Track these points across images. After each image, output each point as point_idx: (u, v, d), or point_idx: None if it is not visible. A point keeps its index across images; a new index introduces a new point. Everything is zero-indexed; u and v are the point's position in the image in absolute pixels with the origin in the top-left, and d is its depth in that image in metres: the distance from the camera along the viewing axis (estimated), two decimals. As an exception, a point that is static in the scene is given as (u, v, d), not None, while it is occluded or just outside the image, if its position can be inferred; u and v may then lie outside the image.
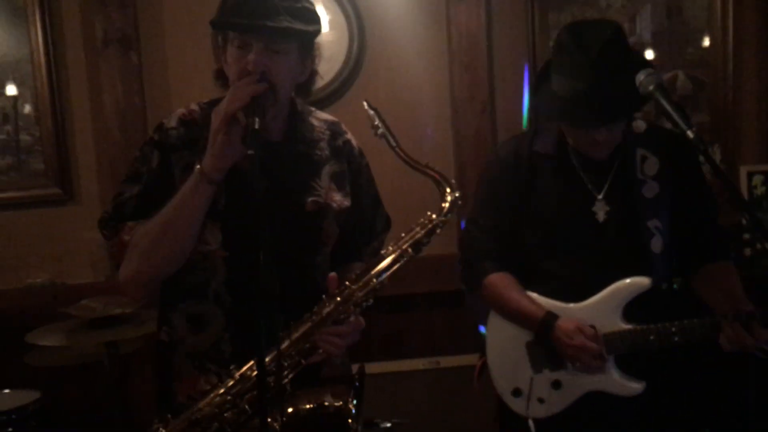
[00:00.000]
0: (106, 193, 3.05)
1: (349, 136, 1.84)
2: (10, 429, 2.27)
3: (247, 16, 1.56)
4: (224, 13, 1.61)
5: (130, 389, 2.82)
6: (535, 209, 2.04)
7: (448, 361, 2.94)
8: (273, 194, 1.61)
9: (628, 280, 1.97)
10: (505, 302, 2.06)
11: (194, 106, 1.74)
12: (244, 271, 1.60)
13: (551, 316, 1.98)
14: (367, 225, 1.86)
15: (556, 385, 2.03)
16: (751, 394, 2.65)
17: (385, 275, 1.64)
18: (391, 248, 1.66)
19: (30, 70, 2.99)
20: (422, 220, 1.68)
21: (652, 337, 1.92)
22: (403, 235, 1.67)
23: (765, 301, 2.56)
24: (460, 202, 1.67)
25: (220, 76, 1.69)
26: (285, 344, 1.58)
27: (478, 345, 2.23)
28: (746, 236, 2.83)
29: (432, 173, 1.67)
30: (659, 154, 1.99)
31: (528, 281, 2.07)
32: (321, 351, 1.61)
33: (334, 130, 1.81)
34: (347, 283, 1.63)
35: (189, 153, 1.65)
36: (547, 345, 2.00)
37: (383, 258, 1.65)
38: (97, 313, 2.33)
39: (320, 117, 1.83)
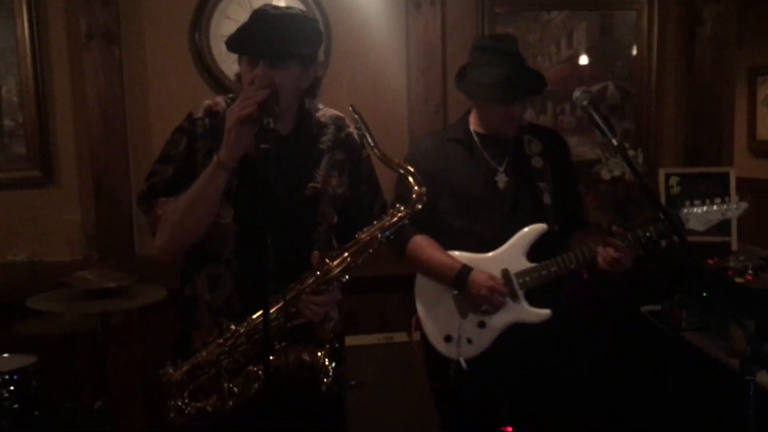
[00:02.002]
0: (85, 177, 3.26)
1: (351, 129, 2.08)
2: (12, 388, 2.47)
3: (254, 41, 1.86)
4: (238, 37, 1.90)
5: (116, 357, 3.03)
6: (451, 183, 2.46)
7: (401, 337, 3.23)
8: (278, 180, 1.89)
9: (528, 228, 2.41)
10: (426, 259, 2.45)
11: (219, 99, 2.01)
12: (250, 242, 1.90)
13: (466, 269, 2.38)
14: (365, 209, 2.09)
15: (482, 324, 2.42)
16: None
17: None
18: (364, 233, 1.91)
19: (15, 59, 3.14)
20: (392, 210, 1.92)
21: (554, 268, 2.37)
22: (375, 222, 1.92)
23: (678, 285, 2.98)
24: (423, 198, 1.90)
25: (238, 79, 1.96)
26: (274, 308, 1.85)
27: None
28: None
29: (403, 171, 1.91)
30: (540, 139, 2.52)
31: (447, 243, 2.45)
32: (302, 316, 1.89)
33: (339, 125, 2.07)
34: (327, 260, 1.90)
35: (212, 140, 1.91)
36: (464, 294, 2.40)
37: (358, 241, 1.91)
38: (93, 284, 2.53)
39: (327, 113, 2.09)
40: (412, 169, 1.91)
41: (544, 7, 3.53)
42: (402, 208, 1.92)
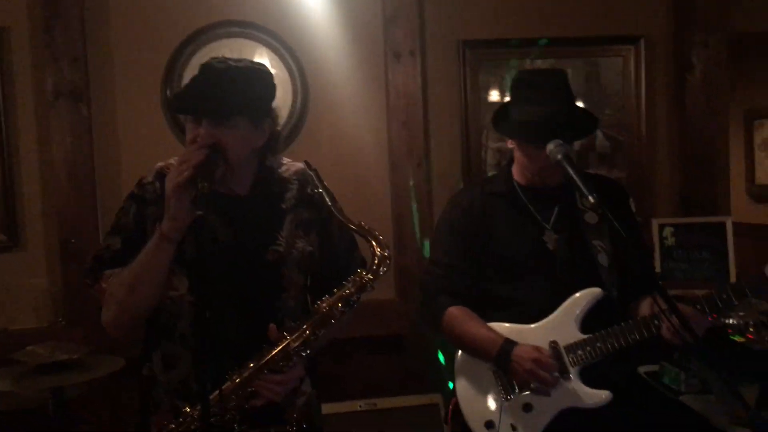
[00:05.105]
0: (52, 240, 3.13)
1: (324, 183, 1.91)
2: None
3: (195, 100, 1.75)
4: (177, 97, 1.78)
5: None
6: (492, 244, 2.21)
7: (385, 403, 3.06)
8: (236, 245, 1.76)
9: (580, 293, 2.12)
10: (463, 334, 2.17)
11: (173, 160, 1.87)
12: (206, 315, 1.75)
13: (509, 344, 2.08)
14: (341, 268, 1.92)
15: (527, 408, 2.10)
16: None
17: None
18: (324, 303, 1.77)
19: (-21, 119, 3.04)
20: (353, 277, 1.78)
21: (610, 340, 2.06)
22: (335, 291, 1.78)
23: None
24: (388, 261, 1.77)
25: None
26: (227, 387, 1.72)
27: (439, 386, 2.34)
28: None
29: (364, 232, 1.78)
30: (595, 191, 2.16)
31: (489, 312, 2.19)
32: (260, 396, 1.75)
33: (303, 179, 1.92)
34: (284, 333, 1.76)
35: (163, 205, 1.75)
36: (507, 372, 2.09)
37: (317, 312, 1.76)
38: (44, 359, 2.39)
39: (291, 168, 1.95)
40: (374, 231, 1.78)
41: (527, 55, 3.43)
42: (364, 273, 1.78)
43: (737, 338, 2.52)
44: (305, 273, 1.91)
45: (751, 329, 2.55)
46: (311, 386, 1.97)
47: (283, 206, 1.90)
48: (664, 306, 1.87)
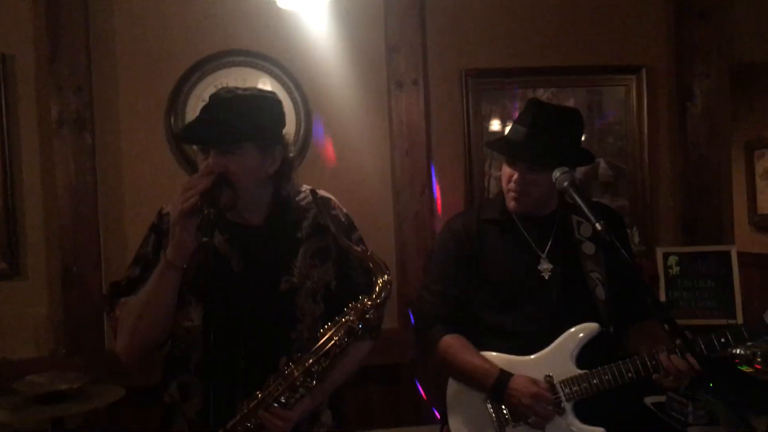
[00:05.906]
0: (53, 269, 3.11)
1: (336, 212, 1.92)
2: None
3: (201, 130, 1.76)
4: (185, 129, 1.80)
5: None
6: (486, 271, 2.19)
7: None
8: (250, 275, 1.75)
9: (576, 328, 2.10)
10: (458, 364, 2.14)
11: None
12: (218, 346, 1.74)
13: (505, 375, 2.06)
14: (358, 296, 1.84)
15: None
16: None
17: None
18: (323, 332, 1.74)
19: (-17, 147, 3.03)
20: (355, 303, 1.75)
21: (606, 377, 2.04)
22: (336, 318, 1.74)
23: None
24: (389, 287, 1.74)
25: None
26: (233, 421, 1.71)
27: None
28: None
29: (365, 259, 1.76)
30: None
31: (482, 341, 2.16)
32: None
33: (321, 207, 1.89)
34: (291, 364, 1.73)
35: None
36: (502, 403, 2.08)
37: (317, 341, 1.73)
38: (43, 388, 2.36)
39: (309, 197, 1.91)
40: (376, 257, 1.76)
41: (529, 84, 3.45)
42: (366, 300, 1.75)
43: (745, 369, 2.49)
44: (321, 303, 1.89)
45: (758, 360, 2.52)
46: (332, 419, 1.93)
47: (299, 235, 1.89)
48: (675, 338, 1.91)
